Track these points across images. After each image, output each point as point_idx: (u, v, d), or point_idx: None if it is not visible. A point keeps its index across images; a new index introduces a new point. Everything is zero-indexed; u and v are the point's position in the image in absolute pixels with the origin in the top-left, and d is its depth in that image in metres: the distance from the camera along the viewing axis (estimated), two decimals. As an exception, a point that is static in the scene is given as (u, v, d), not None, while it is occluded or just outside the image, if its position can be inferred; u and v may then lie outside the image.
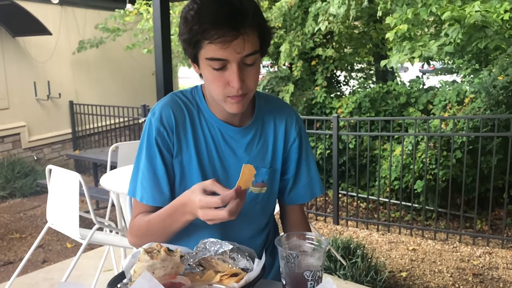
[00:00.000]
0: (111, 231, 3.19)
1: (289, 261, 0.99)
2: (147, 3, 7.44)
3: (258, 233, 1.37)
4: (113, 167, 3.44)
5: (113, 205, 3.25)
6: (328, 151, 5.62)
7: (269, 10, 6.79)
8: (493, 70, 5.40)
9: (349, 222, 5.09)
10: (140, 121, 6.56)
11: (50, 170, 2.94)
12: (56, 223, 2.92)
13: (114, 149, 3.56)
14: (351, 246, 3.83)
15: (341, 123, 5.67)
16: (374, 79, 8.77)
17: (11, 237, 4.67)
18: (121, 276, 1.06)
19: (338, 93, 7.58)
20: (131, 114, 7.04)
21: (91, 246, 3.72)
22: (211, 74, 1.14)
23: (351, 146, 5.70)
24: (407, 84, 7.03)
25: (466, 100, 5.33)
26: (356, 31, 7.66)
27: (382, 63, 4.53)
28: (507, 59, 5.50)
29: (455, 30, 4.03)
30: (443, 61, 8.90)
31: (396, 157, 5.21)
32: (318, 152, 5.88)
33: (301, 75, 6.77)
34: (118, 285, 1.03)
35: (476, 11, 3.72)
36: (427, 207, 5.06)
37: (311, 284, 0.99)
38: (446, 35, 4.17)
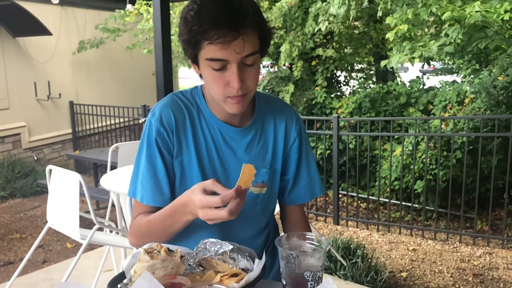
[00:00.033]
0: (111, 231, 3.19)
1: (289, 261, 0.99)
2: (147, 4, 7.45)
3: (258, 233, 1.37)
4: (113, 167, 3.44)
5: (113, 205, 3.25)
6: (328, 151, 5.62)
7: (269, 10, 6.79)
8: (493, 70, 5.40)
9: (349, 222, 5.09)
10: (140, 121, 6.56)
11: (50, 170, 2.94)
12: (56, 223, 2.92)
13: (114, 149, 3.56)
14: (351, 246, 3.83)
15: (341, 123, 5.67)
16: (374, 79, 8.77)
17: (11, 237, 4.67)
18: (121, 276, 1.06)
19: (338, 93, 7.58)
20: (131, 114, 7.04)
21: (91, 246, 3.72)
22: (211, 75, 1.14)
23: (351, 146, 5.70)
24: (407, 84, 7.03)
25: (466, 100, 5.33)
26: (356, 31, 7.66)
27: (382, 63, 4.53)
28: (507, 59, 5.50)
29: (455, 30, 4.03)
30: (443, 61, 8.91)
31: (396, 157, 5.21)
32: (318, 152, 5.88)
33: (301, 75, 6.77)
34: (119, 285, 1.03)
35: (476, 11, 3.72)
36: (427, 207, 5.06)
37: (311, 284, 0.99)
38: (446, 35, 4.17)
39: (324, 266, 1.03)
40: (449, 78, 8.99)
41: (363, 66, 8.97)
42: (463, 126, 4.86)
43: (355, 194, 5.58)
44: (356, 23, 7.51)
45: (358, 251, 3.75)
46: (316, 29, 6.10)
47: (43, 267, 3.90)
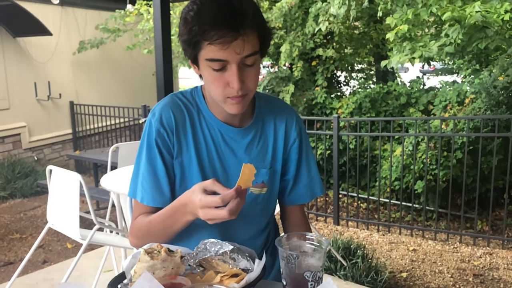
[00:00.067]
0: (111, 232, 3.19)
1: (289, 261, 0.99)
2: (148, 4, 7.45)
3: (259, 233, 1.37)
4: (114, 167, 3.44)
5: (113, 205, 3.25)
6: (328, 152, 5.62)
7: (270, 11, 6.79)
8: (493, 71, 5.40)
9: (350, 223, 5.09)
10: (140, 121, 6.57)
11: (51, 170, 2.94)
12: (57, 224, 2.92)
13: (114, 150, 3.56)
14: (351, 246, 3.83)
15: (342, 124, 5.67)
16: (374, 79, 8.77)
17: (11, 237, 4.67)
18: (121, 276, 1.06)
19: (339, 93, 7.58)
20: (131, 114, 7.04)
21: (91, 247, 3.72)
22: (211, 75, 1.14)
23: (351, 146, 5.69)
24: (408, 84, 7.03)
25: (467, 101, 5.33)
26: (356, 32, 7.66)
27: (383, 63, 4.53)
28: (508, 59, 5.50)
29: (455, 31, 4.02)
30: (443, 61, 8.92)
31: (397, 157, 5.21)
32: (319, 152, 5.87)
33: (301, 76, 6.77)
34: (119, 286, 1.03)
35: (476, 12, 3.72)
36: (427, 207, 5.06)
37: (311, 284, 0.99)
38: (447, 35, 4.17)
39: (324, 267, 1.03)
40: (449, 78, 8.99)
41: (363, 66, 8.97)
42: (463, 126, 4.86)
43: (355, 194, 5.58)
44: (356, 23, 7.51)
45: (358, 251, 3.75)
46: (316, 29, 6.10)
47: (43, 267, 3.90)
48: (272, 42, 1.23)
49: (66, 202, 2.81)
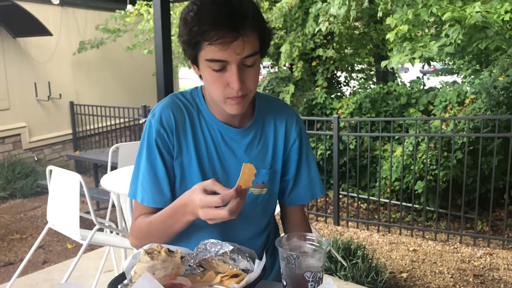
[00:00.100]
0: (111, 232, 3.19)
1: (289, 262, 0.99)
2: (148, 4, 7.45)
3: (259, 234, 1.37)
4: (114, 167, 3.44)
5: (113, 205, 3.25)
6: (328, 152, 5.61)
7: (270, 11, 6.79)
8: (493, 71, 5.40)
9: (350, 223, 5.08)
10: (140, 121, 6.57)
11: (51, 170, 2.94)
12: (57, 224, 2.92)
13: (114, 150, 3.56)
14: (351, 247, 3.83)
15: (342, 124, 5.67)
16: (374, 79, 8.77)
17: (11, 237, 4.67)
18: (121, 277, 1.06)
19: (339, 93, 7.58)
20: (131, 114, 7.04)
21: (91, 247, 3.72)
22: (210, 76, 1.14)
23: (351, 146, 5.69)
24: (408, 84, 7.03)
25: (467, 101, 5.33)
26: (356, 32, 7.66)
27: (383, 63, 4.52)
28: (508, 59, 5.50)
29: (455, 31, 4.02)
30: (443, 61, 8.92)
31: (397, 157, 5.21)
32: (319, 152, 5.87)
33: (301, 76, 6.77)
34: (119, 286, 1.03)
35: (476, 12, 3.72)
36: (427, 207, 5.06)
37: (311, 285, 0.99)
38: (447, 35, 4.17)
39: (324, 267, 1.03)
40: (449, 78, 8.99)
41: (363, 67, 8.97)
42: (463, 127, 4.86)
43: (355, 195, 5.58)
44: (357, 23, 7.51)
45: (358, 251, 3.75)
46: (317, 29, 6.10)
47: (43, 267, 3.90)
48: (272, 43, 1.23)
49: (66, 203, 2.81)
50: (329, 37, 7.03)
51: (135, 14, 7.56)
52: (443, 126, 4.93)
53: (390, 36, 4.36)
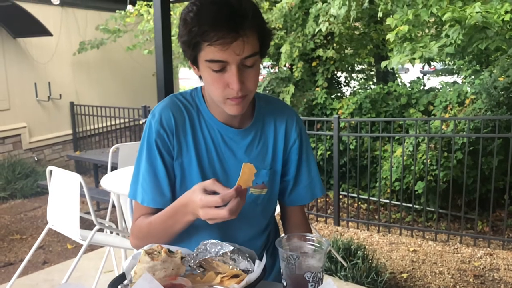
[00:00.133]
0: (111, 232, 3.19)
1: (289, 262, 0.99)
2: (148, 4, 7.45)
3: (259, 234, 1.37)
4: (114, 168, 3.44)
5: (113, 206, 3.25)
6: (328, 152, 5.61)
7: (270, 11, 6.79)
8: (493, 71, 5.40)
9: (350, 223, 5.08)
10: (140, 122, 6.57)
11: (51, 171, 2.94)
12: (57, 224, 2.92)
13: (114, 150, 3.56)
14: (351, 247, 3.83)
15: (342, 124, 5.67)
16: (374, 80, 8.77)
17: (11, 238, 4.67)
18: (121, 277, 1.06)
19: (339, 94, 7.58)
20: (131, 115, 7.05)
21: (91, 247, 3.72)
22: (210, 76, 1.14)
23: (351, 147, 5.69)
24: (408, 85, 7.03)
25: (467, 101, 5.33)
26: (356, 32, 7.66)
27: (383, 64, 4.52)
28: (508, 60, 5.50)
29: (455, 31, 4.02)
30: (443, 62, 8.91)
31: (397, 158, 5.21)
32: (319, 153, 5.87)
33: (301, 76, 6.77)
34: (119, 287, 1.03)
35: (476, 12, 3.72)
36: (428, 208, 5.05)
37: (312, 285, 0.99)
38: (447, 36, 4.17)
39: (324, 267, 1.03)
40: (449, 79, 8.99)
41: (363, 67, 8.97)
42: (463, 127, 4.86)
43: (355, 195, 5.58)
44: (357, 24, 7.51)
45: (358, 252, 3.75)
46: (317, 30, 6.10)
47: (43, 268, 3.90)
48: (272, 43, 1.23)
49: (66, 203, 2.81)
50: (329, 37, 7.03)
51: (135, 14, 7.56)
52: (443, 127, 4.92)
53: (390, 36, 4.36)
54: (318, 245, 1.05)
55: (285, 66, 7.23)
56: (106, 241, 3.02)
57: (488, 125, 4.82)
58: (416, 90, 6.41)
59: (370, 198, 5.40)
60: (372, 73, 8.91)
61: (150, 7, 7.31)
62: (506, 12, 3.67)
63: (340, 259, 3.59)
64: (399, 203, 5.16)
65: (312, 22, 6.31)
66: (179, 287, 1.00)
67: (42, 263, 4.06)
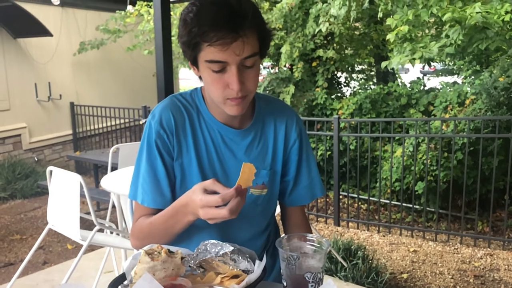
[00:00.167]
0: (111, 233, 3.19)
1: (290, 262, 0.99)
2: (148, 5, 7.45)
3: (259, 234, 1.37)
4: (114, 168, 3.44)
5: (113, 206, 3.25)
6: (329, 152, 5.61)
7: (270, 12, 6.79)
8: (494, 72, 5.40)
9: (350, 224, 5.08)
10: (141, 122, 6.57)
11: (51, 171, 2.95)
12: (57, 225, 2.92)
13: (114, 151, 3.57)
14: (352, 247, 3.83)
15: (342, 124, 5.67)
16: (375, 80, 8.77)
17: (11, 238, 4.67)
18: (122, 277, 1.06)
19: (339, 94, 7.58)
20: (132, 115, 7.05)
21: (91, 248, 3.72)
22: (210, 77, 1.14)
23: (352, 147, 5.70)
24: (408, 85, 7.03)
25: (467, 102, 5.33)
26: (356, 33, 7.67)
27: (383, 64, 4.52)
28: (508, 60, 5.50)
29: (456, 31, 4.02)
30: (444, 62, 8.92)
31: (397, 158, 5.21)
32: (319, 153, 5.87)
33: (301, 76, 6.77)
34: (119, 287, 1.03)
35: (477, 13, 3.72)
36: (428, 208, 5.05)
37: (312, 285, 0.99)
38: (447, 36, 4.17)
39: (325, 268, 1.03)
40: (449, 79, 8.99)
41: (363, 67, 8.97)
42: (463, 127, 4.86)
43: (355, 195, 5.58)
44: (357, 24, 7.51)
45: (358, 252, 3.74)
46: (317, 30, 6.10)
47: (43, 268, 3.90)
48: (272, 43, 1.23)
49: (66, 203, 2.81)
50: (330, 37, 7.04)
51: (135, 14, 7.56)
52: (443, 127, 4.92)
53: (390, 36, 4.36)
54: (318, 245, 1.05)
55: (285, 66, 7.23)
56: (106, 241, 3.02)
57: (488, 125, 4.82)
58: (416, 90, 6.41)
59: (370, 198, 5.40)
60: (372, 73, 8.91)
61: (150, 7, 7.31)
62: (506, 13, 3.67)
63: (340, 259, 3.59)
64: (399, 203, 5.16)
65: (312, 23, 6.31)
66: (179, 288, 1.00)
67: (42, 263, 4.05)
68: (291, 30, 6.88)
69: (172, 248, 1.05)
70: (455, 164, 4.72)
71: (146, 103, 6.72)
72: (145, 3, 7.50)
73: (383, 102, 6.24)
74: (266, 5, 7.07)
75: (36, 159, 7.10)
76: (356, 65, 8.46)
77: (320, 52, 6.74)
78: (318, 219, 5.28)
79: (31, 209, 5.66)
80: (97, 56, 7.99)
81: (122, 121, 7.31)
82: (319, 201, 5.42)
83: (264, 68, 9.07)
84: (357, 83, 8.46)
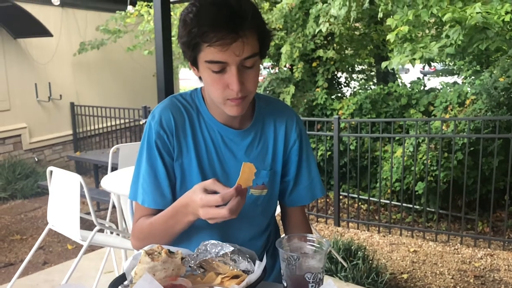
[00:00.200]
0: (112, 233, 3.19)
1: (290, 263, 0.99)
2: (148, 5, 7.45)
3: (259, 235, 1.37)
4: (114, 168, 3.44)
5: (114, 206, 3.25)
6: (329, 153, 5.61)
7: (270, 12, 6.79)
8: (494, 72, 5.40)
9: (350, 224, 5.08)
10: (141, 122, 6.57)
11: (51, 171, 2.95)
12: (57, 225, 2.92)
13: (115, 151, 3.57)
14: (352, 247, 3.83)
15: (342, 125, 5.67)
16: (375, 80, 8.78)
17: (11, 238, 4.67)
18: (122, 278, 1.06)
19: (339, 94, 7.58)
20: (132, 115, 7.05)
21: (92, 248, 3.72)
22: (210, 77, 1.14)
23: (352, 147, 5.70)
24: (408, 85, 7.03)
25: (467, 102, 5.33)
26: (357, 33, 7.67)
27: (383, 64, 4.52)
28: (508, 60, 5.50)
29: (456, 32, 4.02)
30: (444, 62, 8.92)
31: (397, 158, 5.21)
32: (319, 153, 5.87)
33: (302, 77, 6.77)
34: (119, 287, 1.03)
35: (477, 13, 3.72)
36: (428, 208, 5.05)
37: (312, 286, 0.99)
38: (447, 36, 4.17)
39: (325, 268, 1.03)
40: (450, 79, 8.99)
41: (363, 68, 8.98)
42: (464, 128, 4.86)
43: (356, 196, 5.58)
44: (357, 24, 7.51)
45: (359, 252, 3.74)
46: (317, 30, 6.10)
47: (43, 268, 3.90)
48: (272, 43, 1.22)
49: (66, 203, 2.81)
50: (330, 38, 7.04)
51: (136, 15, 7.56)
52: (443, 127, 4.92)
53: (390, 37, 4.36)
54: (318, 245, 1.05)
55: (285, 66, 7.24)
56: (107, 241, 3.02)
57: (489, 125, 4.82)
58: (417, 90, 6.41)
59: (371, 198, 5.40)
60: (373, 73, 8.92)
61: (150, 7, 7.31)
62: (507, 13, 3.67)
63: (340, 259, 3.59)
64: (399, 203, 5.16)
65: (313, 23, 6.31)
66: (179, 288, 1.00)
67: (43, 263, 4.05)
68: (291, 30, 6.88)
69: (172, 249, 1.05)
70: (455, 164, 4.72)
71: (146, 103, 6.72)
72: (145, 3, 7.51)
73: (383, 102, 6.25)
74: (266, 5, 7.07)
75: (36, 159, 7.10)
76: (356, 65, 8.47)
77: (320, 52, 6.74)
78: (318, 219, 5.28)
79: (31, 209, 5.66)
80: (97, 57, 8.00)
81: (122, 121, 7.32)
82: (319, 201, 5.42)
83: (264, 68, 9.08)
84: (357, 83, 8.47)
